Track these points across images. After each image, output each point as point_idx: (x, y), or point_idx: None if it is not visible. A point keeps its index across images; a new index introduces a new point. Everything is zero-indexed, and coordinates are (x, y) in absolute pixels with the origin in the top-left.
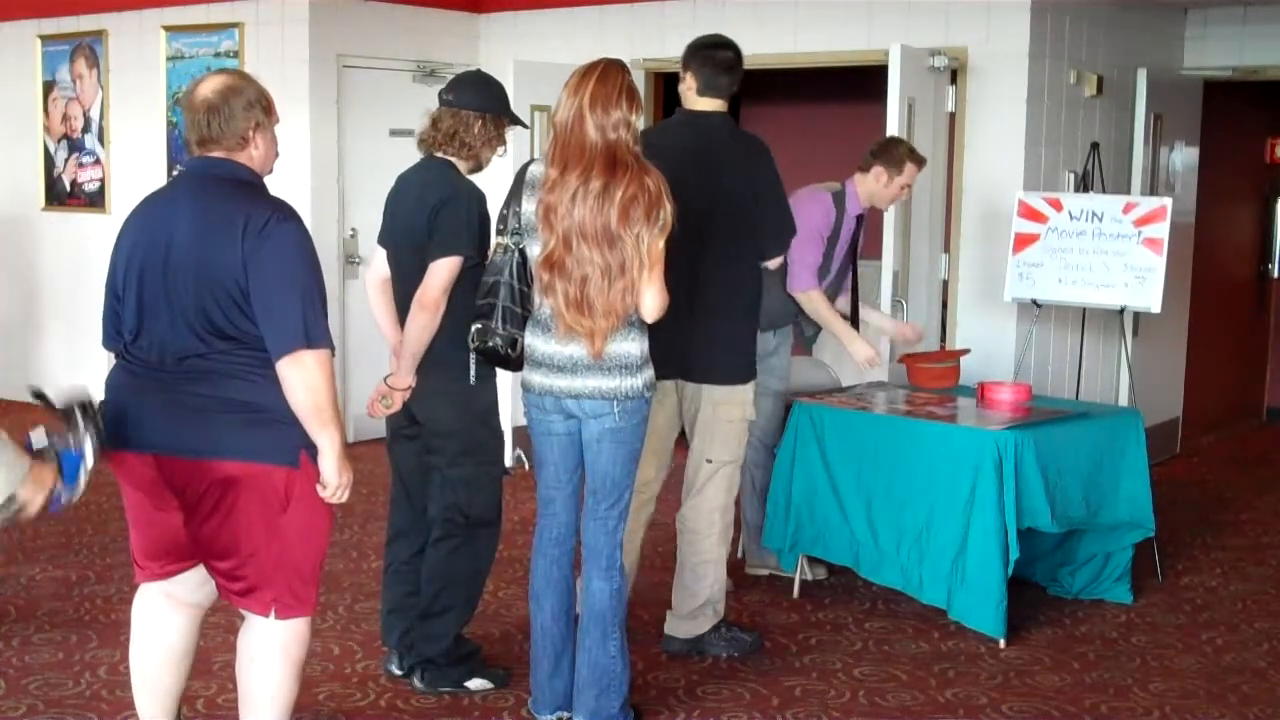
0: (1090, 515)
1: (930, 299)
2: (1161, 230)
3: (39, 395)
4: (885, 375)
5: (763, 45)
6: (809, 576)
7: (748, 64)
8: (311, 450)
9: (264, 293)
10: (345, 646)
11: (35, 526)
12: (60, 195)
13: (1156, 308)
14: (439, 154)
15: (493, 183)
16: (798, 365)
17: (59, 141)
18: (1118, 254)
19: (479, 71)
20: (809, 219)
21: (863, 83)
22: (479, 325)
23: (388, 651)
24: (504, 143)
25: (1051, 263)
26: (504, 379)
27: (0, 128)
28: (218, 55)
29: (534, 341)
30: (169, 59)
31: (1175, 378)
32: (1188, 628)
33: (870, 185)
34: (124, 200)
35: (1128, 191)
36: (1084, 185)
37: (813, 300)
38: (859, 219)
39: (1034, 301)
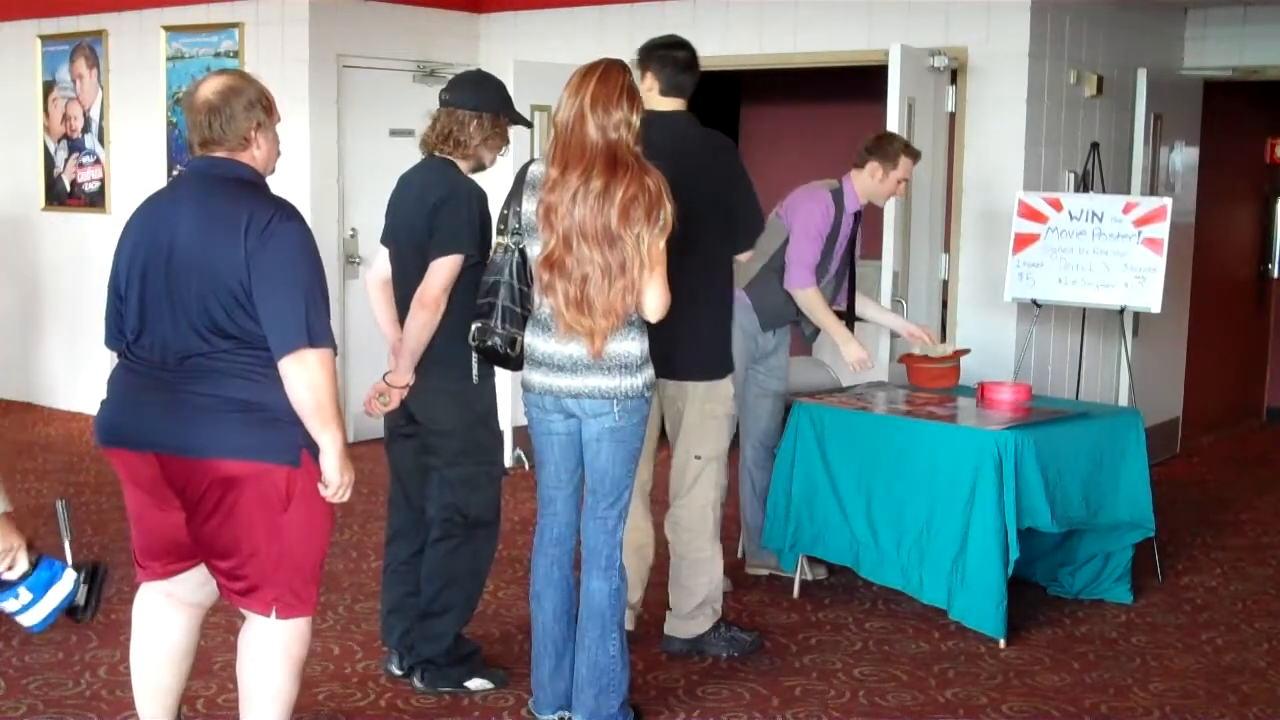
0: (1090, 515)
1: (930, 299)
2: (1161, 230)
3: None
4: (885, 375)
5: (763, 45)
6: (809, 576)
7: (748, 64)
8: (313, 449)
9: (267, 292)
10: (345, 646)
11: (35, 527)
12: (60, 195)
13: (1156, 308)
14: (439, 154)
15: (493, 182)
16: (797, 365)
17: (59, 141)
18: (1118, 254)
19: (478, 71)
20: (808, 217)
21: (863, 83)
22: (479, 324)
23: (388, 651)
24: (506, 141)
25: (1051, 263)
26: (504, 379)
27: (0, 128)
28: (218, 55)
29: (534, 341)
30: (169, 59)
31: (1175, 378)
32: (1188, 628)
33: (866, 181)
34: (124, 200)
35: (1128, 191)
36: (1084, 185)
37: (809, 298)
38: (856, 216)
39: (1034, 301)
